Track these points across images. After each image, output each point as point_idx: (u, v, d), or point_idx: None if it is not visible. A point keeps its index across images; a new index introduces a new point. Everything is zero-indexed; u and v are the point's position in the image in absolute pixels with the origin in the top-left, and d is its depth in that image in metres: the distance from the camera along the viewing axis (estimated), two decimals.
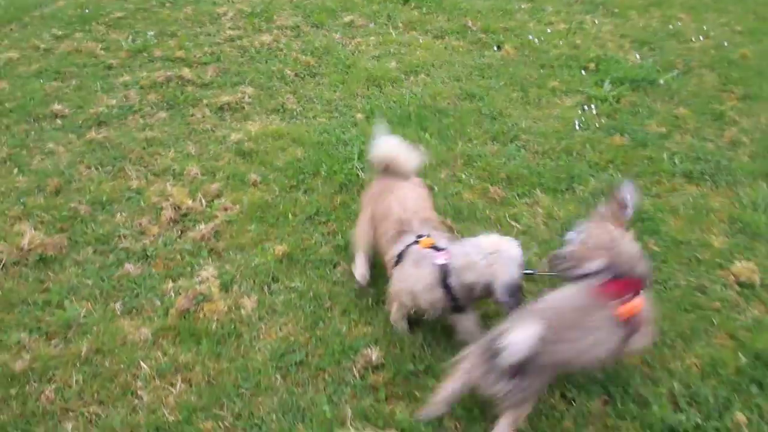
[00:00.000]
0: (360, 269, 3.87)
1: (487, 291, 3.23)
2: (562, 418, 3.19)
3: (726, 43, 7.37)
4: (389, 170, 3.88)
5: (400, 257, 3.47)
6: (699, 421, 3.17)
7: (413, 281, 3.39)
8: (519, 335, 2.69)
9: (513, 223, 4.47)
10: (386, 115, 5.66)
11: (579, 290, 3.08)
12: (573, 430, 3.14)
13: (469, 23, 7.63)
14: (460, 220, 4.47)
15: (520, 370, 2.76)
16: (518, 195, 4.79)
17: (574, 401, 3.27)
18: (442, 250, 3.37)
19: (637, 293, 3.04)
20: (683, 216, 4.58)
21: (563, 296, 3.12)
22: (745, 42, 7.43)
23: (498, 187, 4.84)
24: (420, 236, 3.49)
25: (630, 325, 3.01)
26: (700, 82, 6.54)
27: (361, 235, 3.89)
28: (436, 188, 4.76)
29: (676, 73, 6.64)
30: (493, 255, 3.20)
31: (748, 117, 5.91)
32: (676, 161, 5.19)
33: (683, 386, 3.35)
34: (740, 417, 3.19)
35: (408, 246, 3.47)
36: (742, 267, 4.11)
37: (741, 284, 4.02)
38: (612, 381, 3.35)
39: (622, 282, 3.03)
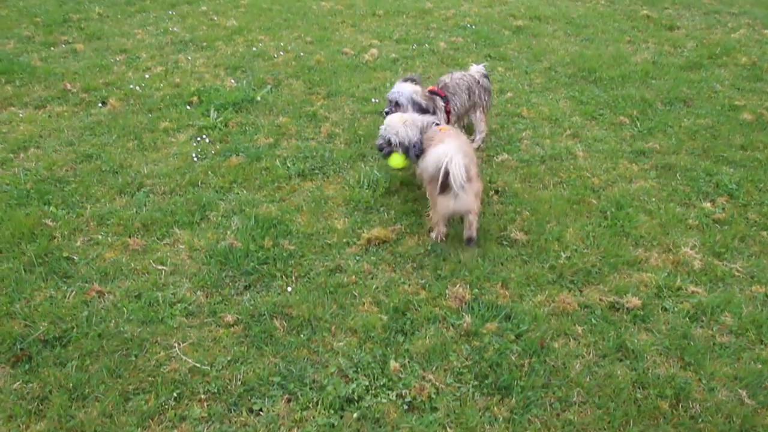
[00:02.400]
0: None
1: None
2: (255, 430, 3.37)
3: (302, 54, 8.31)
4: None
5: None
6: (367, 383, 3.61)
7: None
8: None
9: (160, 267, 4.51)
10: (1, 199, 5.22)
11: None
12: None
13: (68, 86, 7.31)
14: (107, 281, 4.38)
15: None
16: (158, 238, 4.83)
17: (261, 411, 3.47)
18: None
19: None
20: (307, 211, 5.10)
21: None
22: (316, 50, 8.47)
23: (136, 237, 4.82)
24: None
25: None
26: (291, 91, 7.28)
27: None
28: (76, 257, 4.59)
29: (269, 88, 7.27)
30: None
31: (335, 111, 6.79)
32: (289, 165, 5.73)
33: (347, 359, 3.76)
34: (395, 365, 3.70)
35: None
36: (368, 235, 4.75)
37: (368, 251, 4.65)
38: (288, 379, 3.64)
39: None
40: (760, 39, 9.08)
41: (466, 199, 4.54)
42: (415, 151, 5.01)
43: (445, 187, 4.42)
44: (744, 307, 4.18)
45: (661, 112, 6.81)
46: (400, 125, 5.04)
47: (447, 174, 4.34)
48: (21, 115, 6.75)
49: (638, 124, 6.55)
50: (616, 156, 5.96)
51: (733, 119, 6.66)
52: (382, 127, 5.12)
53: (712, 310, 4.14)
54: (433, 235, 4.83)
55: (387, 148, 5.08)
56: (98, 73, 7.78)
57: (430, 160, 4.59)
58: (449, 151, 4.42)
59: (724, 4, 10.78)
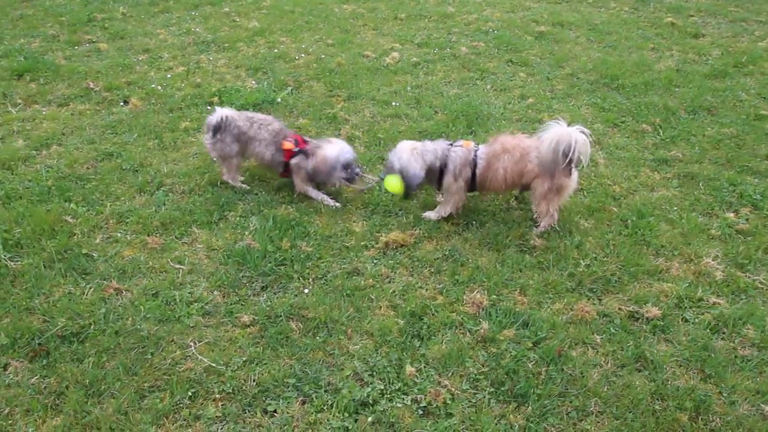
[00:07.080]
0: None
1: None
2: (269, 430, 3.36)
3: (323, 56, 8.32)
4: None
5: None
6: (382, 387, 3.59)
7: None
8: None
9: (177, 266, 4.52)
10: (24, 195, 5.27)
11: None
12: None
13: (91, 85, 7.39)
14: (125, 279, 4.39)
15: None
16: (176, 237, 4.85)
17: (276, 412, 3.46)
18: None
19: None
20: (325, 213, 5.10)
21: None
22: (338, 52, 8.46)
23: (155, 236, 4.84)
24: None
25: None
26: (311, 93, 7.29)
27: None
28: (95, 254, 4.60)
29: (289, 89, 7.28)
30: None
31: (355, 114, 6.77)
32: None
33: (363, 362, 3.75)
34: (410, 369, 3.68)
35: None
36: (386, 239, 4.73)
37: (386, 255, 4.63)
38: (303, 381, 3.62)
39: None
40: None
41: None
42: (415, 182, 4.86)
43: (570, 166, 4.63)
44: (767, 320, 4.11)
45: (684, 121, 6.73)
46: (406, 152, 4.89)
47: (573, 152, 4.50)
48: (44, 112, 6.81)
49: (661, 132, 6.48)
50: (638, 164, 5.89)
51: (758, 129, 6.56)
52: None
53: (734, 322, 4.07)
54: (545, 223, 4.93)
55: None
56: (121, 72, 7.84)
57: (546, 146, 4.60)
58: (571, 132, 4.52)
59: (751, 12, 10.64)
